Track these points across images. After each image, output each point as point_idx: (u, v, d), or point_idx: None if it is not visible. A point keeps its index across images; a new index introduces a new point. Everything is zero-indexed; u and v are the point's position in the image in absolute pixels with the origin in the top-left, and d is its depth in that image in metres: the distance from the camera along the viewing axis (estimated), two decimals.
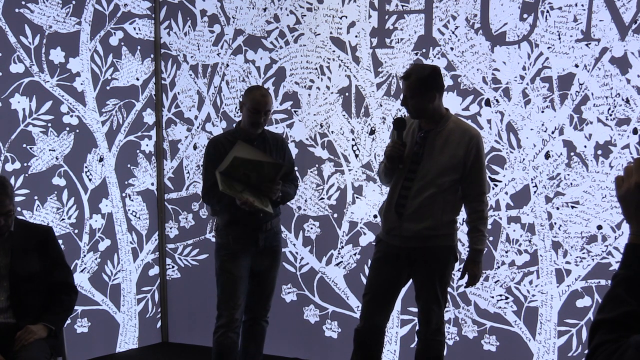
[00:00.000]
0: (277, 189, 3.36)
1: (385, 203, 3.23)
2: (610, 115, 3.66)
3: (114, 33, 4.42)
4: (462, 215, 3.29)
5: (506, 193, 3.90)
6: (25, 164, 4.06)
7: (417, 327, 3.29)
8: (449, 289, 3.96)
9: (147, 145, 4.65)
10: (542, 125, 3.79)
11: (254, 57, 4.40)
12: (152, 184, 4.69)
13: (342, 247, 4.27)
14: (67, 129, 4.24)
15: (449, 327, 4.01)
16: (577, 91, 3.71)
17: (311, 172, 4.30)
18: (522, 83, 3.81)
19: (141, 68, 4.57)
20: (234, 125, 3.64)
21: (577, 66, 3.70)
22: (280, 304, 4.30)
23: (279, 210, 3.58)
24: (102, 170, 4.42)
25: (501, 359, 3.97)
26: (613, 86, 3.63)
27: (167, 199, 4.72)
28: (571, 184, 3.76)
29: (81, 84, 4.29)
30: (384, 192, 3.93)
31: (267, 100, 3.40)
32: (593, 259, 3.75)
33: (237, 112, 4.40)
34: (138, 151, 4.60)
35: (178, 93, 4.64)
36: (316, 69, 4.26)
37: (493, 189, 3.90)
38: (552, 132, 3.78)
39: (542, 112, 3.78)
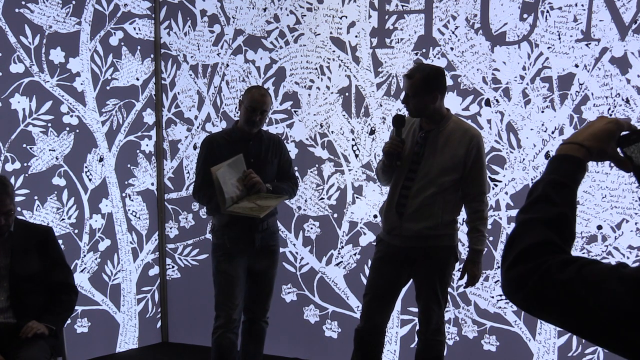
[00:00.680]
0: (255, 179, 3.33)
1: (386, 203, 3.23)
2: (611, 115, 3.66)
3: (114, 33, 4.42)
4: (463, 215, 3.29)
5: (506, 193, 3.90)
6: (25, 164, 4.06)
7: (417, 327, 3.29)
8: (449, 289, 3.97)
9: (147, 145, 4.65)
10: (542, 125, 3.79)
11: (254, 57, 4.40)
12: (152, 184, 4.69)
13: (342, 247, 4.27)
14: (67, 129, 4.24)
15: (449, 327, 4.01)
16: (577, 91, 3.71)
17: (311, 172, 4.30)
18: (522, 83, 3.81)
19: (141, 68, 4.57)
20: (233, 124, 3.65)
21: (577, 66, 3.70)
22: (280, 304, 4.30)
23: (275, 209, 3.57)
24: (102, 170, 4.42)
25: (501, 359, 3.97)
26: (613, 86, 3.63)
27: (167, 199, 4.72)
28: None
29: (81, 84, 4.29)
30: (384, 192, 3.93)
31: (265, 100, 3.40)
32: None
33: (237, 112, 4.39)
34: (138, 151, 4.60)
35: (178, 93, 4.64)
36: (316, 69, 4.26)
37: (493, 189, 3.90)
38: (552, 132, 3.78)
39: (542, 112, 3.78)
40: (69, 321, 3.78)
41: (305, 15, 4.27)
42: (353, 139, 4.21)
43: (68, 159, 4.25)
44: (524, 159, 3.85)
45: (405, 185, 3.15)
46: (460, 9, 3.90)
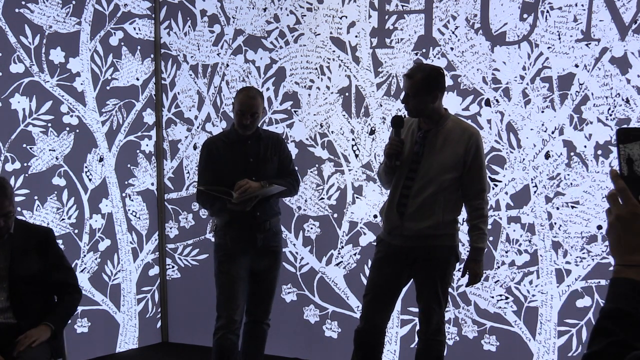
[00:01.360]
0: (245, 186, 3.28)
1: (387, 203, 3.23)
2: (610, 115, 3.66)
3: (114, 33, 4.42)
4: (463, 215, 3.29)
5: (506, 193, 3.90)
6: (25, 164, 4.06)
7: (417, 327, 3.29)
8: (449, 289, 3.97)
9: (147, 145, 4.65)
10: (542, 125, 3.79)
11: (254, 57, 4.40)
12: (152, 184, 4.69)
13: (342, 247, 4.27)
14: (67, 129, 4.24)
15: (449, 327, 4.01)
16: (577, 91, 3.71)
17: (311, 172, 4.30)
18: (522, 83, 3.81)
19: (141, 68, 4.57)
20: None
21: (577, 66, 3.70)
22: (280, 304, 4.30)
23: (278, 210, 3.56)
24: (102, 170, 4.42)
25: (501, 359, 3.97)
26: (613, 86, 3.63)
27: (167, 199, 4.72)
28: (571, 184, 3.76)
29: (81, 84, 4.29)
30: (384, 192, 3.93)
31: (253, 102, 3.35)
32: (593, 259, 3.75)
33: None
34: (138, 151, 4.60)
35: (178, 93, 4.64)
36: (316, 69, 4.26)
37: (493, 189, 3.90)
38: (552, 132, 3.78)
39: (542, 112, 3.78)
40: (69, 321, 3.78)
41: (305, 15, 4.27)
42: (353, 139, 4.21)
43: (68, 159, 4.25)
44: (524, 159, 3.85)
45: (405, 185, 3.15)
46: (460, 9, 3.90)
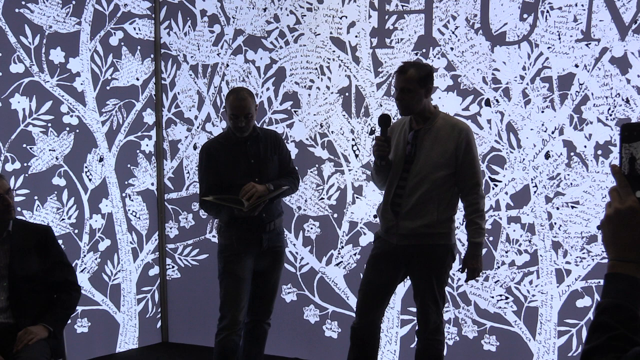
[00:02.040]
0: (252, 190, 3.28)
1: (382, 203, 3.26)
2: (610, 115, 3.66)
3: (114, 33, 4.42)
4: (460, 215, 3.29)
5: (506, 193, 3.90)
6: (25, 164, 4.06)
7: (416, 327, 3.29)
8: (449, 289, 3.97)
9: (147, 145, 4.65)
10: (542, 125, 3.79)
11: (254, 57, 4.40)
12: (152, 184, 4.69)
13: (342, 247, 4.27)
14: (67, 129, 4.24)
15: (449, 327, 4.01)
16: (577, 91, 3.71)
17: (311, 172, 4.30)
18: (522, 83, 3.81)
19: (141, 68, 4.57)
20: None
21: (577, 66, 3.70)
22: (280, 304, 4.30)
23: (281, 209, 3.56)
24: (102, 170, 4.42)
25: (501, 359, 3.97)
26: (613, 86, 3.63)
27: (167, 199, 4.72)
28: (571, 184, 3.76)
29: (81, 84, 4.29)
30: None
31: (244, 104, 3.31)
32: (593, 259, 3.75)
33: None
34: (138, 151, 4.60)
35: (178, 93, 4.64)
36: (316, 69, 4.26)
37: (493, 189, 3.90)
38: (552, 132, 3.78)
39: (542, 112, 3.78)
40: (69, 321, 3.78)
41: (305, 15, 4.27)
42: (353, 139, 4.21)
43: (68, 159, 4.25)
44: (524, 159, 3.85)
45: (399, 185, 3.18)
46: (460, 9, 3.90)
